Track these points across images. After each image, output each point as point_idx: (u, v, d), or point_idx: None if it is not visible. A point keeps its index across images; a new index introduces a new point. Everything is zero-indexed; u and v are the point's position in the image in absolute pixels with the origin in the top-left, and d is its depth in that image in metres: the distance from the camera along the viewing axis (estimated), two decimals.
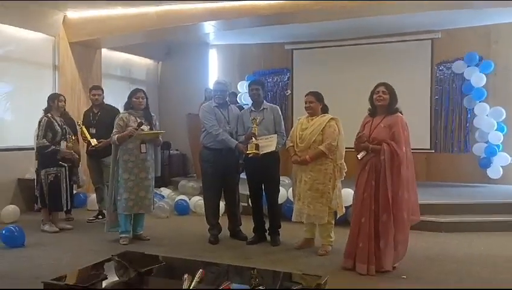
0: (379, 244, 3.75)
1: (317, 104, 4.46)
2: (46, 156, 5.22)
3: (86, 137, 5.62)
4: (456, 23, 7.65)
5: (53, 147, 5.19)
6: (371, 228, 3.74)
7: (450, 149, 8.13)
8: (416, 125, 7.33)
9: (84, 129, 5.65)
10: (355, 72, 8.46)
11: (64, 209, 5.48)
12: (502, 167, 7.43)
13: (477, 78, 7.53)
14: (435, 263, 4.11)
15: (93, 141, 5.52)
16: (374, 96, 3.87)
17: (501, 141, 7.45)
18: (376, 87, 3.90)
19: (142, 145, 4.73)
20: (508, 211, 5.68)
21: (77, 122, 5.81)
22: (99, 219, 5.88)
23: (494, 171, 7.47)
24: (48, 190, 5.22)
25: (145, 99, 4.86)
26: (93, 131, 5.65)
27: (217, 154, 4.77)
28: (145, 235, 4.96)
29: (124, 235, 4.79)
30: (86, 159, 6.00)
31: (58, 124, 5.30)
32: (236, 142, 4.71)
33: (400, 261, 3.87)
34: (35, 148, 5.71)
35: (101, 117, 5.73)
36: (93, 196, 6.56)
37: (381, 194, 3.71)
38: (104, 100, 5.93)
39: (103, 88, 6.12)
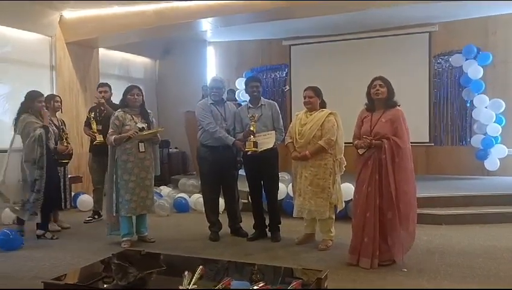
0: (385, 239, 3.73)
1: (316, 99, 4.44)
2: None
3: (94, 132, 5.60)
4: (452, 15, 7.64)
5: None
6: (376, 223, 3.71)
7: (449, 142, 8.13)
8: (415, 118, 7.32)
9: (94, 124, 5.66)
10: (354, 66, 8.45)
11: (65, 207, 5.47)
12: (499, 159, 7.40)
13: (474, 71, 7.51)
14: (436, 256, 4.11)
15: (99, 137, 5.50)
16: (372, 91, 3.83)
17: (499, 133, 7.42)
18: (372, 81, 3.86)
19: (140, 144, 4.56)
20: (507, 203, 5.69)
21: (87, 115, 5.86)
22: (95, 218, 5.88)
23: (491, 163, 7.46)
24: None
25: (140, 96, 4.67)
26: (99, 128, 5.62)
27: (214, 152, 4.76)
28: (150, 238, 4.79)
29: (126, 238, 4.61)
30: (89, 158, 5.98)
31: (55, 125, 5.30)
32: (234, 139, 4.70)
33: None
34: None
35: (107, 114, 5.67)
36: (85, 196, 6.56)
37: (385, 190, 3.68)
38: (111, 98, 5.86)
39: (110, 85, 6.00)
